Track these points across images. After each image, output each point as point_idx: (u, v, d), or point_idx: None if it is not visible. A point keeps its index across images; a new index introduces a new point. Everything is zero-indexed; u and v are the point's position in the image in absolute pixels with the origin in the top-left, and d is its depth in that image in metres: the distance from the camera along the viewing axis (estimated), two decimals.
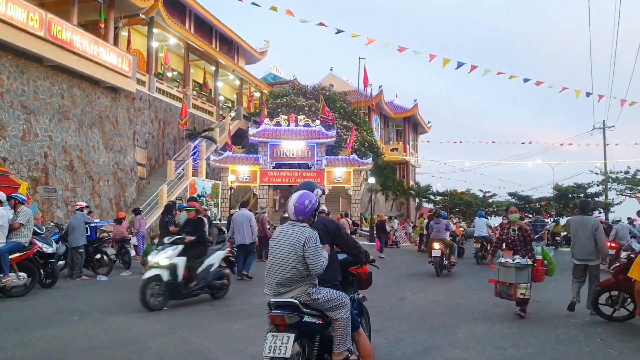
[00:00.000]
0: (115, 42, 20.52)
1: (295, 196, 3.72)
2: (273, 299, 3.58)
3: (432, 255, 11.96)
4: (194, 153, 23.63)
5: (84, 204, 12.21)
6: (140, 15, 21.87)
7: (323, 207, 4.99)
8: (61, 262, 10.96)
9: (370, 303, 8.24)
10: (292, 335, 3.39)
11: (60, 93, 17.16)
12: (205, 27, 29.74)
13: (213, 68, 29.50)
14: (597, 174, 36.19)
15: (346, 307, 3.67)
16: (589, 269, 7.24)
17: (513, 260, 7.04)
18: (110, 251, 11.98)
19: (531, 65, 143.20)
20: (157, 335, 5.98)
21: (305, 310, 3.54)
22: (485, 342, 5.73)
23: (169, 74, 26.39)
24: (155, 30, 23.54)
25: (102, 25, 19.01)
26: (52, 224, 13.35)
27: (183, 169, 21.84)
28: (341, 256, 4.15)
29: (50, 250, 9.55)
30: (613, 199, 35.20)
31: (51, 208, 15.73)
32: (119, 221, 13.44)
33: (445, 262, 12.15)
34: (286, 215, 3.92)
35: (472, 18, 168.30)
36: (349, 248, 4.08)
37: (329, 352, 3.66)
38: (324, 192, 4.23)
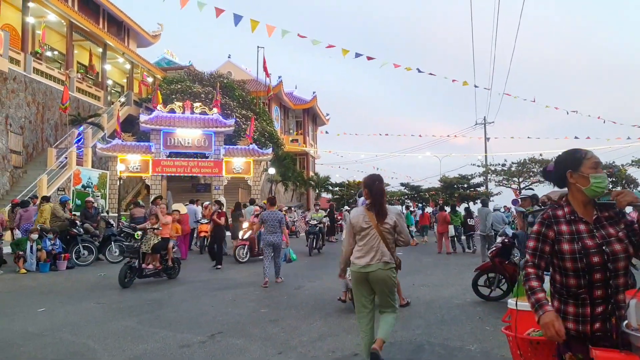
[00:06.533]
0: None
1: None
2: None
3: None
4: (78, 140, 21.90)
5: None
6: None
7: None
8: None
9: (267, 293, 8.20)
10: None
11: None
12: (91, 5, 27.53)
13: (100, 50, 27.45)
14: (478, 166, 39.49)
15: None
16: (486, 237, 12.54)
17: None
18: None
19: (436, 67, 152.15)
20: (30, 339, 5.41)
21: None
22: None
23: (49, 54, 24.08)
24: (31, 4, 21.32)
25: None
26: None
27: (66, 158, 20.13)
28: None
29: None
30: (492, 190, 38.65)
31: None
32: None
33: None
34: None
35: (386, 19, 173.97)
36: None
37: None
38: None
